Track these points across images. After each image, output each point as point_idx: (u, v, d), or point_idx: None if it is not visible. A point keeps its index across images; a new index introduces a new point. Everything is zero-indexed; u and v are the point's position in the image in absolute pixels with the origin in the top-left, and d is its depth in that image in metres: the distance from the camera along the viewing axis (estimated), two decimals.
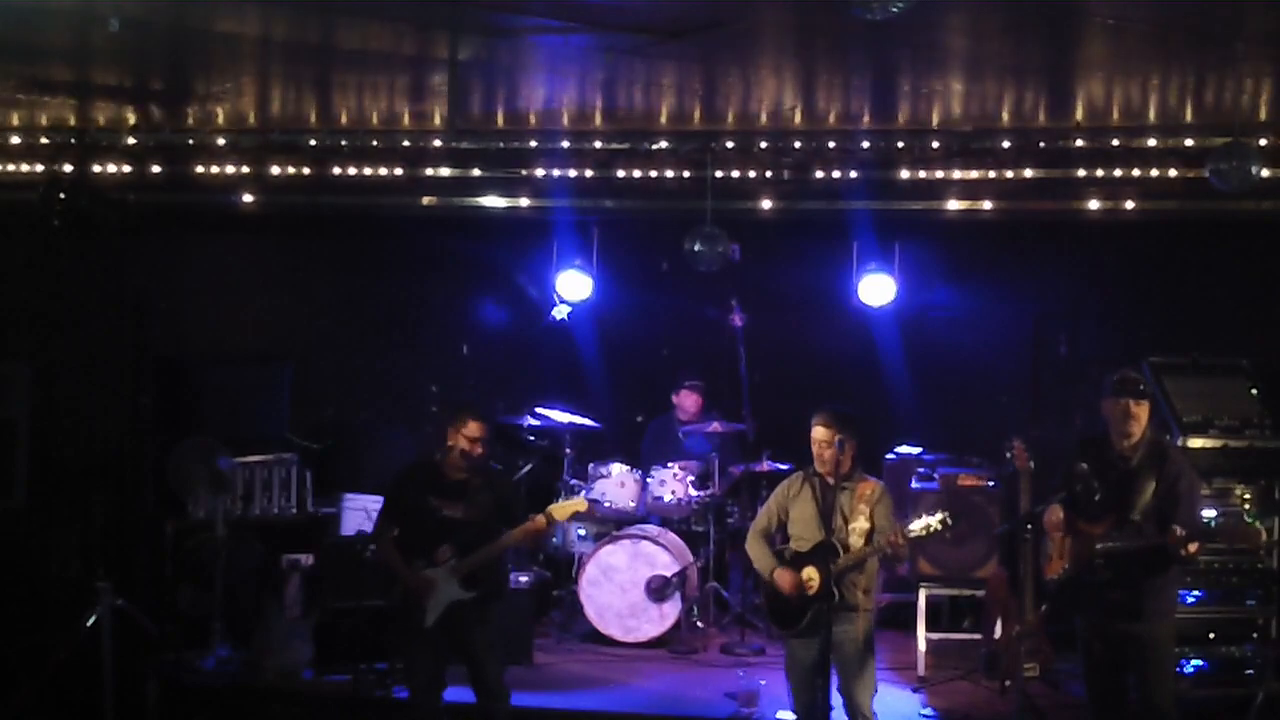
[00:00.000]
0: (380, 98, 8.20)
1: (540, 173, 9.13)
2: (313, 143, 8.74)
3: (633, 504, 9.24)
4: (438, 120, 8.48)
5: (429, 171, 9.19)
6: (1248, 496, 7.65)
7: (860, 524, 6.16)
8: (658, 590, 8.81)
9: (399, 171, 9.14)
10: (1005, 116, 8.12)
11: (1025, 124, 8.22)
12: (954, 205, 9.27)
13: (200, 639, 8.22)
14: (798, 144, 8.53)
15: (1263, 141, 7.83)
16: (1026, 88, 7.70)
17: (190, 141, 8.81)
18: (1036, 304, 10.14)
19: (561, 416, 9.35)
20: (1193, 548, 5.71)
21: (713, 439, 9.30)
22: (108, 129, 8.73)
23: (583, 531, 9.34)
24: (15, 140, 8.82)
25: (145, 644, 7.41)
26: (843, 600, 6.11)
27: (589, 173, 9.08)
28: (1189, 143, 8.14)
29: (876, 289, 9.46)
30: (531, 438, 9.57)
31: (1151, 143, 8.23)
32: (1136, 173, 8.60)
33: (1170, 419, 7.68)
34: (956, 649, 8.43)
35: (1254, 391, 7.93)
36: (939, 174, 8.87)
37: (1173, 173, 8.48)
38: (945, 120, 8.18)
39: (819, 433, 6.26)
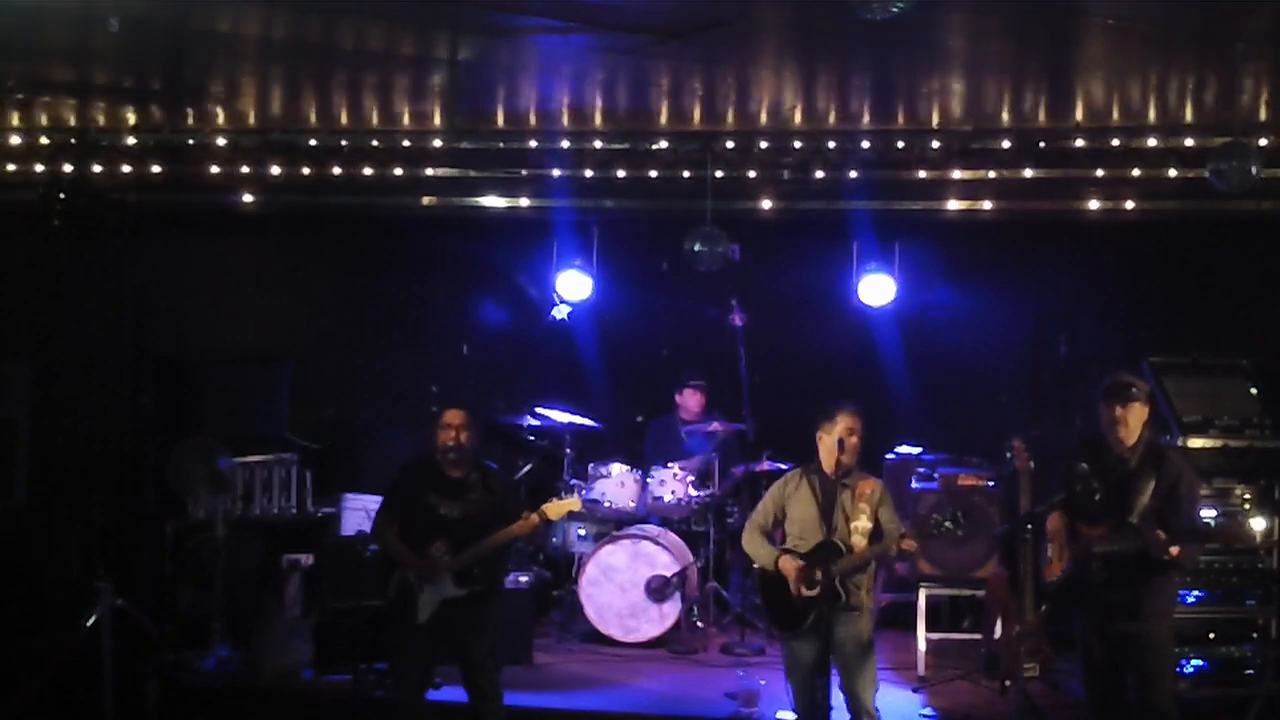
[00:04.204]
0: (380, 98, 8.20)
1: (540, 173, 9.13)
2: (312, 143, 8.75)
3: (633, 504, 9.24)
4: (438, 120, 8.49)
5: (429, 171, 9.19)
6: (1248, 496, 7.66)
7: (862, 523, 6.14)
8: (658, 590, 8.81)
9: (399, 171, 9.14)
10: (1005, 116, 8.12)
11: (1025, 124, 8.22)
12: (954, 205, 9.28)
13: (200, 639, 8.21)
14: (798, 144, 8.54)
15: (1263, 141, 7.83)
16: (1026, 88, 7.70)
17: (190, 141, 8.82)
18: (1036, 304, 10.13)
19: (561, 416, 9.35)
20: (1174, 551, 5.71)
21: (713, 439, 9.31)
22: (108, 129, 8.73)
23: (583, 531, 9.34)
24: (15, 140, 8.82)
25: (145, 644, 7.41)
26: (846, 600, 6.10)
27: (589, 173, 9.08)
28: (1189, 143, 8.14)
29: (876, 289, 9.47)
30: (531, 438, 9.57)
31: (1151, 143, 8.23)
32: (1136, 173, 8.59)
33: (1170, 419, 7.68)
34: (956, 649, 8.44)
35: (1254, 391, 7.92)
36: (939, 174, 8.87)
37: (1173, 173, 8.48)
38: (945, 120, 8.18)
39: (852, 422, 6.20)
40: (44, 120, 8.68)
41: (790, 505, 6.33)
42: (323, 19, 6.74)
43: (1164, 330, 9.29)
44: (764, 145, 8.56)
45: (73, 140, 8.71)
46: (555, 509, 6.69)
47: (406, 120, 8.53)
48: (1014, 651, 6.90)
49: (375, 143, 8.75)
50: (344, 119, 8.58)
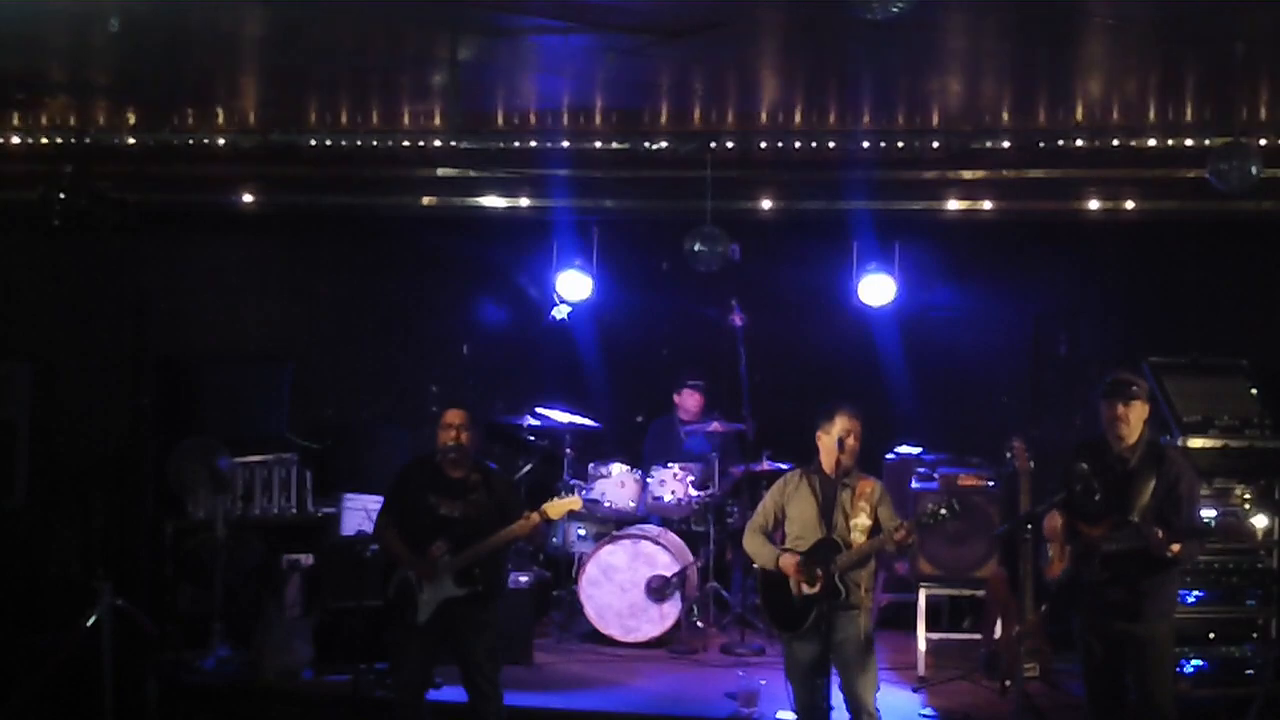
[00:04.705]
0: (380, 98, 8.19)
1: (540, 173, 9.12)
2: (313, 143, 8.74)
3: (633, 504, 9.24)
4: (438, 120, 8.48)
5: (429, 171, 9.19)
6: (1248, 496, 7.66)
7: (862, 521, 6.16)
8: (658, 590, 8.81)
9: (399, 171, 9.13)
10: (1005, 116, 8.12)
11: (1025, 124, 8.21)
12: (954, 205, 9.28)
13: (200, 639, 8.22)
14: (798, 144, 8.53)
15: (1263, 141, 7.82)
16: (1026, 88, 7.70)
17: (190, 141, 8.80)
18: (1036, 304, 10.13)
19: (561, 416, 9.34)
20: (1175, 548, 5.73)
21: (713, 439, 9.30)
22: (108, 129, 8.72)
23: (583, 531, 9.34)
24: (15, 140, 8.82)
25: (145, 644, 7.40)
26: (846, 598, 6.11)
27: (589, 173, 9.08)
28: (1189, 143, 8.13)
29: (876, 289, 9.46)
30: (531, 438, 9.56)
31: (1151, 143, 8.22)
32: (1136, 173, 8.59)
33: (1170, 419, 7.68)
34: (956, 649, 8.44)
35: (1254, 391, 7.93)
36: (939, 174, 8.86)
37: (1173, 173, 8.48)
38: (945, 120, 8.17)
39: (851, 424, 6.22)
40: (44, 120, 8.68)
41: (790, 505, 6.35)
42: (323, 19, 6.73)
43: (1164, 330, 9.30)
44: (764, 145, 8.55)
45: (73, 140, 8.71)
46: (555, 508, 6.69)
47: (406, 120, 8.52)
48: (1014, 651, 6.91)
49: (375, 143, 8.74)
50: (344, 119, 8.57)
